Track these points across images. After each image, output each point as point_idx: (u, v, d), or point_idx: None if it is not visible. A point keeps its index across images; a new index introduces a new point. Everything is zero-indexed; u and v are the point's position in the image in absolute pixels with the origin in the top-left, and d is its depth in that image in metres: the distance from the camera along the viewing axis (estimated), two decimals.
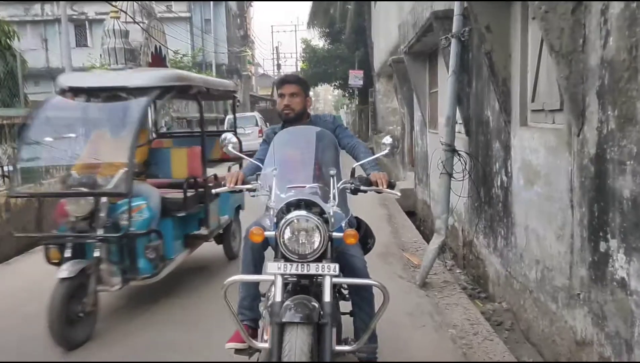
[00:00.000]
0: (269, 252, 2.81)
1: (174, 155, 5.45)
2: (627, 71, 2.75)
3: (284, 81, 3.19)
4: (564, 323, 3.59)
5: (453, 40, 5.47)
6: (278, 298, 2.36)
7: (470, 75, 5.79)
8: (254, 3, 46.07)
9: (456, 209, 6.37)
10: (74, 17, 23.98)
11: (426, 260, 5.19)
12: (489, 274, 5.37)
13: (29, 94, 11.34)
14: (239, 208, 6.25)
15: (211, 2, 30.75)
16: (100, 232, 3.99)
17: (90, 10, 25.41)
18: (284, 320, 2.27)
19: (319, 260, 2.38)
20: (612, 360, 2.98)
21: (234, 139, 3.01)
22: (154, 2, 16.78)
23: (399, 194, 2.81)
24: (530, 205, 4.17)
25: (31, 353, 3.74)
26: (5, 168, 7.52)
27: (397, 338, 3.75)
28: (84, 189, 3.98)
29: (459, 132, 5.88)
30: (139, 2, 13.95)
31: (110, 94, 4.61)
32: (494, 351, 3.72)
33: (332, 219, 2.40)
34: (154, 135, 6.37)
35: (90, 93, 4.71)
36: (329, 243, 2.40)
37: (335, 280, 2.42)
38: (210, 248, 5.90)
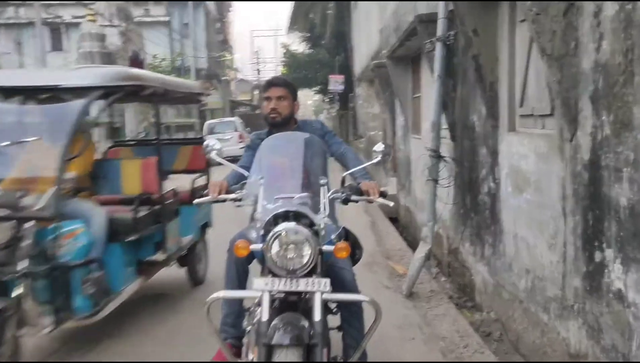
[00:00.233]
0: (254, 265, 2.67)
1: (125, 167, 4.62)
2: (622, 74, 2.66)
3: (271, 83, 3.04)
4: (557, 334, 3.50)
5: (438, 44, 5.38)
6: (265, 317, 2.21)
7: (456, 79, 5.70)
8: (233, 7, 45.85)
9: (441, 216, 6.28)
10: (49, 20, 23.48)
11: (412, 269, 5.07)
12: (476, 283, 5.28)
13: None
14: (205, 226, 5.48)
15: (191, 5, 30.43)
16: (22, 264, 3.22)
17: (66, 14, 24.91)
18: (272, 342, 2.12)
19: (308, 275, 2.23)
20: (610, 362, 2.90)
21: (218, 146, 2.86)
22: (131, 4, 16.51)
23: (392, 204, 2.69)
24: (519, 212, 4.08)
25: None
26: None
27: (387, 352, 3.61)
28: (1, 211, 3.25)
29: (444, 138, 5.79)
30: (117, 3, 13.68)
31: (49, 95, 3.87)
32: None
33: (323, 232, 2.25)
34: (107, 143, 5.76)
35: (27, 94, 3.92)
36: (319, 257, 2.25)
37: (325, 296, 2.28)
38: (171, 272, 5.12)
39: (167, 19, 29.31)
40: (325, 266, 2.42)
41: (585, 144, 3.04)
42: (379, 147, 2.72)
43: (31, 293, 3.27)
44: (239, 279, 2.78)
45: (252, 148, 3.02)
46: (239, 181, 2.75)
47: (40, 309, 3.34)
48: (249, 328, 2.74)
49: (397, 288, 5.10)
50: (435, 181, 5.30)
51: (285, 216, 2.25)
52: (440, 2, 5.25)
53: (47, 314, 3.37)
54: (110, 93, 3.88)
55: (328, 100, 32.74)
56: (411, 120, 8.84)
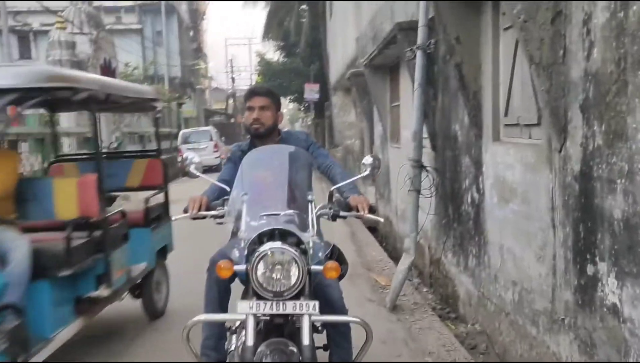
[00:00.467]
0: (236, 284, 2.52)
1: (59, 187, 3.90)
2: (615, 83, 2.60)
3: (254, 92, 2.89)
4: (546, 348, 3.41)
5: (419, 53, 5.31)
6: (250, 342, 2.06)
7: (437, 88, 5.65)
8: (206, 15, 45.53)
9: (423, 226, 6.19)
10: (17, 28, 22.97)
11: (395, 281, 4.97)
12: (459, 294, 5.19)
13: None
14: (164, 250, 4.86)
15: (163, 13, 30.10)
16: None
17: (35, 21, 24.41)
18: None
19: (296, 297, 2.10)
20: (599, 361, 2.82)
21: (197, 159, 2.70)
22: (102, 11, 16.18)
23: (382, 219, 2.57)
24: (505, 223, 4.00)
25: None
26: None
27: None
28: None
29: (425, 147, 5.71)
30: (87, 11, 13.38)
31: None
32: None
33: (311, 251, 2.12)
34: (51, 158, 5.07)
35: None
36: (308, 277, 2.12)
37: (314, 318, 2.14)
38: (124, 303, 4.47)
39: (139, 27, 28.92)
40: (312, 284, 2.29)
41: (576, 155, 2.97)
42: (368, 160, 2.60)
43: None
44: (220, 300, 2.63)
45: (233, 161, 2.88)
46: (219, 196, 2.61)
47: None
48: (232, 350, 2.59)
49: (381, 301, 4.99)
50: (418, 191, 5.21)
51: (270, 235, 2.12)
52: (421, 9, 5.18)
53: None
54: (28, 97, 3.23)
55: (303, 109, 32.70)
56: (390, 129, 8.78)
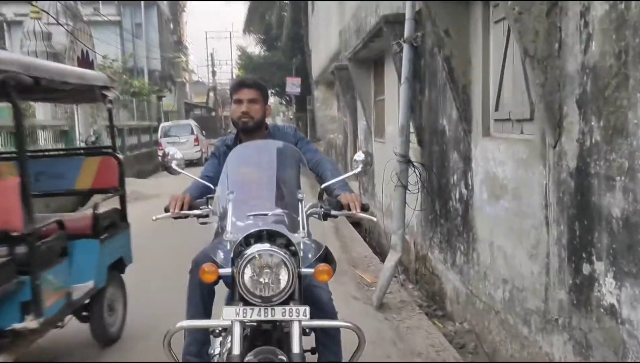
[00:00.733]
0: (220, 286, 2.38)
1: None
2: (615, 77, 2.51)
3: (242, 84, 2.73)
4: (539, 348, 3.34)
5: (405, 46, 5.20)
6: (236, 351, 1.93)
7: (423, 82, 5.55)
8: (187, 7, 44.93)
9: (409, 222, 6.10)
10: None
11: (382, 279, 4.87)
12: (447, 291, 5.12)
13: None
14: (120, 263, 4.18)
15: (142, 5, 29.59)
16: None
17: (9, 12, 23.76)
18: None
19: (285, 302, 1.97)
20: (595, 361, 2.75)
21: (179, 155, 2.54)
22: (80, 3, 15.79)
23: (375, 218, 2.45)
24: (496, 220, 3.92)
25: None
26: None
27: None
28: None
29: (411, 143, 5.62)
30: (63, 2, 13.02)
31: None
32: None
33: (302, 253, 1.99)
34: None
35: None
36: (298, 281, 1.99)
37: (304, 323, 2.02)
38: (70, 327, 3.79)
39: (118, 18, 28.38)
40: (302, 288, 2.16)
41: (571, 151, 2.89)
42: (359, 156, 2.47)
43: None
44: (204, 304, 2.48)
45: (217, 156, 2.73)
46: (202, 194, 2.46)
47: None
48: (215, 356, 2.46)
49: (367, 299, 4.89)
50: (405, 187, 5.11)
51: (258, 236, 1.98)
52: (408, 2, 5.07)
53: None
54: None
55: (285, 102, 32.51)
56: (374, 123, 8.68)
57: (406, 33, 5.19)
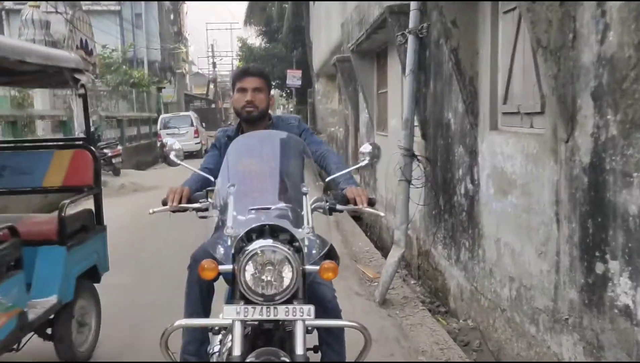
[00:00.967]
0: (220, 281, 2.28)
1: None
2: (633, 69, 2.41)
3: (246, 72, 2.62)
4: (547, 348, 3.25)
5: (410, 37, 5.09)
6: (237, 352, 1.83)
7: (428, 74, 5.43)
8: None
9: (412, 217, 6.00)
10: None
11: (385, 274, 4.78)
12: (450, 287, 5.02)
13: None
14: (92, 273, 3.69)
15: None
16: None
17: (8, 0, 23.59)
18: None
19: (288, 300, 1.87)
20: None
21: (177, 146, 2.43)
22: None
23: (383, 214, 2.35)
24: (502, 216, 3.82)
25: None
26: None
27: None
28: None
29: (415, 136, 5.51)
30: None
31: None
32: None
33: (306, 249, 1.89)
34: None
35: None
36: (302, 279, 1.89)
37: (308, 322, 1.92)
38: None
39: (118, 8, 28.19)
40: (306, 286, 2.07)
41: (585, 146, 2.78)
42: (366, 148, 2.37)
43: None
44: (203, 301, 2.39)
45: (218, 147, 2.63)
46: (202, 186, 2.36)
47: None
48: (215, 354, 2.37)
49: (369, 295, 4.79)
50: (409, 181, 5.01)
51: (260, 231, 1.88)
52: None
53: None
54: None
55: (285, 95, 32.35)
56: (376, 116, 8.56)
57: (411, 24, 5.08)
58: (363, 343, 2.09)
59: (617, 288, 2.57)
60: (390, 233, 7.33)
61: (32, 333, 3.23)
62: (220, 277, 2.20)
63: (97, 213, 3.85)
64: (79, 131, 14.03)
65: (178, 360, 2.29)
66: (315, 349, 2.57)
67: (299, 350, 1.86)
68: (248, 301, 1.88)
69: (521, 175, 3.51)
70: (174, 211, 2.25)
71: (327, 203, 2.20)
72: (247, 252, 1.82)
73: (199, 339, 2.44)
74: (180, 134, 20.06)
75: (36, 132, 11.71)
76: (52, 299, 3.19)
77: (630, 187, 2.44)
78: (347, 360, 2.55)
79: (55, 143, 4.41)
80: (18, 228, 2.92)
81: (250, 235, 1.88)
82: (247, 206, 1.95)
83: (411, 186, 5.14)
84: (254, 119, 2.56)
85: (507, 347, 3.78)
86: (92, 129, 14.73)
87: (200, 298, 2.38)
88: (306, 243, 1.90)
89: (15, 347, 3.11)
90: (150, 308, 4.36)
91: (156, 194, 2.49)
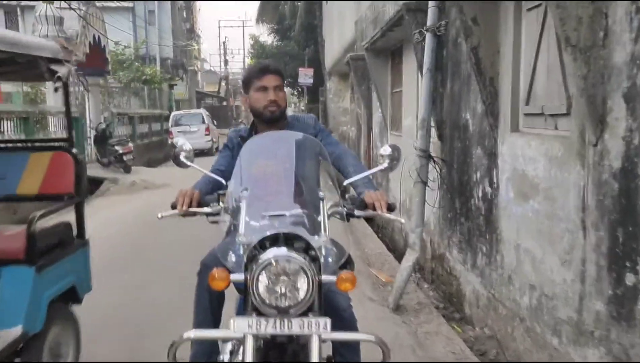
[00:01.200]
0: (230, 290, 2.17)
1: None
2: None
3: (266, 69, 2.48)
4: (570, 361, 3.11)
5: (428, 35, 4.95)
6: None
7: (445, 73, 5.29)
8: None
9: (426, 220, 5.87)
10: (4, 2, 22.30)
11: (399, 279, 4.64)
12: (465, 293, 4.88)
13: None
14: (70, 295, 3.23)
15: None
16: None
17: None
18: None
19: (304, 313, 1.75)
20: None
21: (188, 147, 2.31)
22: None
23: (403, 220, 2.22)
24: (523, 222, 3.68)
25: None
26: None
27: None
28: None
29: (431, 137, 5.37)
30: None
31: None
32: None
33: (323, 259, 1.77)
34: None
35: None
36: (318, 290, 1.77)
37: (324, 336, 1.80)
38: None
39: (131, 5, 28.21)
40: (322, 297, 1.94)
41: (616, 149, 2.64)
42: (386, 150, 2.24)
43: None
44: (213, 310, 2.27)
45: (230, 148, 2.51)
46: (213, 189, 2.24)
47: None
48: (225, 362, 2.25)
49: (383, 301, 4.66)
50: (425, 183, 4.88)
51: (274, 239, 1.76)
52: None
53: None
54: None
55: (297, 93, 32.25)
56: (390, 116, 8.43)
57: (429, 21, 4.94)
58: (380, 352, 1.95)
59: None
60: (403, 234, 7.19)
61: None
62: (232, 284, 2.09)
63: (79, 225, 3.39)
64: (94, 126, 13.97)
65: None
66: (328, 359, 2.45)
67: None
68: (260, 313, 1.77)
69: (544, 179, 3.37)
70: (183, 216, 2.14)
71: (345, 209, 2.08)
72: (260, 262, 1.70)
73: (207, 351, 2.33)
74: (191, 132, 20.01)
75: (48, 128, 11.69)
76: (17, 330, 2.69)
77: None
78: None
79: (32, 145, 4.00)
80: None
81: (264, 242, 1.76)
82: (261, 212, 1.83)
83: (427, 188, 5.00)
84: (277, 119, 2.44)
85: (526, 357, 3.63)
86: (104, 125, 14.71)
87: (210, 307, 2.27)
88: (323, 252, 1.78)
89: None
90: (158, 308, 4.26)
91: (167, 192, 2.35)
